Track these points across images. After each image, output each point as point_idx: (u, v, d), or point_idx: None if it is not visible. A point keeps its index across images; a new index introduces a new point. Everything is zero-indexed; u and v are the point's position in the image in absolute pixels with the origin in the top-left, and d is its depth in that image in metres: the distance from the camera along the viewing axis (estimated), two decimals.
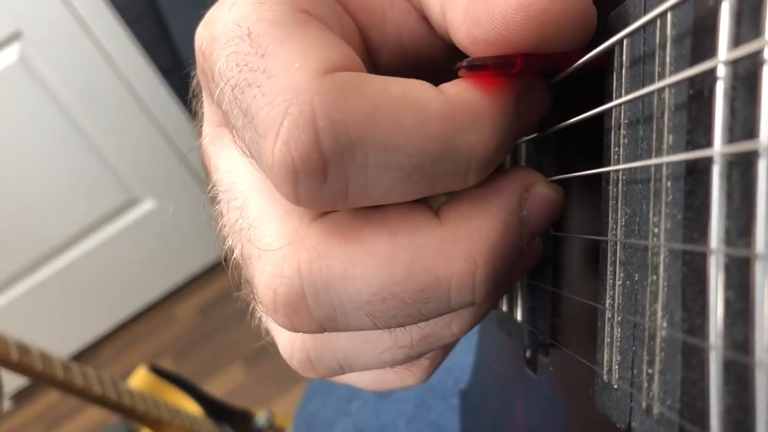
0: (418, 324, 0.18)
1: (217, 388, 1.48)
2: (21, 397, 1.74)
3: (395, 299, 0.16)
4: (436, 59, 0.20)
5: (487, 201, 0.17)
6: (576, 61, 0.17)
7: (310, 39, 0.15)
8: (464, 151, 0.15)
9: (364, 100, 0.14)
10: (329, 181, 0.15)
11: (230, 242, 0.19)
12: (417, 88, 0.15)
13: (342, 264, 0.16)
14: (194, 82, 0.21)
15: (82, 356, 1.82)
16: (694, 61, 0.13)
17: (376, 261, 0.16)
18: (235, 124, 0.16)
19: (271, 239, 0.17)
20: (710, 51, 0.13)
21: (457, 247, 0.16)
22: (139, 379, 1.09)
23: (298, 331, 0.18)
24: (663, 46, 0.15)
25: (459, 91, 0.15)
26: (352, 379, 0.23)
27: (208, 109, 0.20)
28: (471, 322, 0.20)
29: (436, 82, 0.16)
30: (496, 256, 0.17)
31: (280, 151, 0.14)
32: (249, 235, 0.18)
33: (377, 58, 0.20)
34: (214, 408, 1.11)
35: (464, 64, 0.16)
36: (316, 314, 0.17)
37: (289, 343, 0.21)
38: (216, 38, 0.16)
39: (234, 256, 0.19)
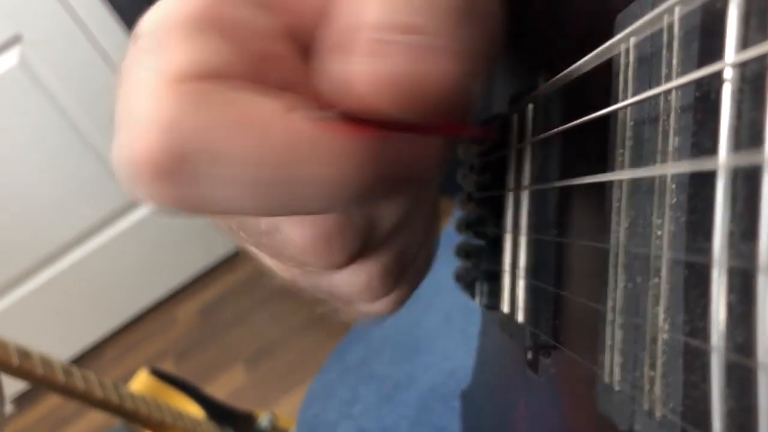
0: None
1: (219, 390, 1.47)
2: (22, 401, 1.74)
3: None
4: None
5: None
6: (457, 132, 0.16)
7: (188, 44, 0.16)
8: (306, 179, 0.15)
9: (209, 112, 0.14)
10: (172, 184, 0.15)
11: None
12: (267, 108, 0.15)
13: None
14: None
15: (83, 360, 1.82)
16: (701, 63, 0.13)
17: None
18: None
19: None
20: (718, 53, 0.13)
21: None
22: (141, 382, 1.09)
23: (349, 261, 0.19)
24: (670, 48, 0.15)
25: (311, 120, 0.15)
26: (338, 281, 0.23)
27: None
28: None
29: None
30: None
31: (126, 149, 0.15)
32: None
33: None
34: (216, 410, 1.11)
35: (318, 115, 0.15)
36: (359, 231, 0.18)
37: (364, 269, 0.21)
38: (135, 33, 0.17)
39: None
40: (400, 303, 0.24)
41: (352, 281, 0.21)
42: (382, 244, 0.20)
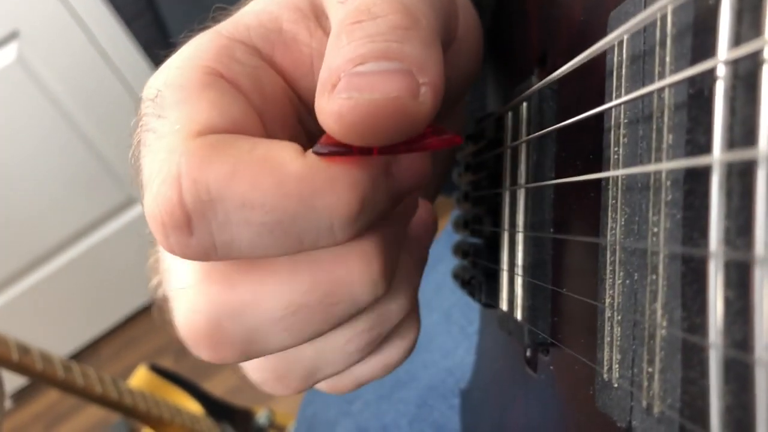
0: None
1: (218, 386, 1.48)
2: (21, 396, 1.74)
3: (306, 308, 0.17)
4: None
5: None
6: (429, 142, 0.17)
7: (202, 102, 0.17)
8: (323, 210, 0.16)
9: (225, 160, 0.15)
10: (196, 234, 0.16)
11: (156, 281, 0.20)
12: (281, 151, 0.16)
13: (251, 286, 0.17)
14: None
15: (82, 355, 1.82)
16: (694, 60, 0.13)
17: (279, 278, 0.17)
18: (136, 178, 0.18)
19: (183, 279, 0.18)
20: (710, 50, 0.13)
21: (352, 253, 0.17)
22: (140, 378, 1.09)
23: (224, 362, 0.19)
24: (663, 45, 0.15)
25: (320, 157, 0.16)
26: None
27: None
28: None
29: None
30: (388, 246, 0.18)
31: (149, 205, 0.16)
32: (167, 278, 0.19)
33: (311, 102, 0.20)
34: (214, 407, 1.11)
35: (312, 150, 0.16)
36: (235, 341, 0.18)
37: (257, 369, 0.21)
38: (143, 99, 0.18)
39: (159, 294, 0.20)
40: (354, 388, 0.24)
41: None
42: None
